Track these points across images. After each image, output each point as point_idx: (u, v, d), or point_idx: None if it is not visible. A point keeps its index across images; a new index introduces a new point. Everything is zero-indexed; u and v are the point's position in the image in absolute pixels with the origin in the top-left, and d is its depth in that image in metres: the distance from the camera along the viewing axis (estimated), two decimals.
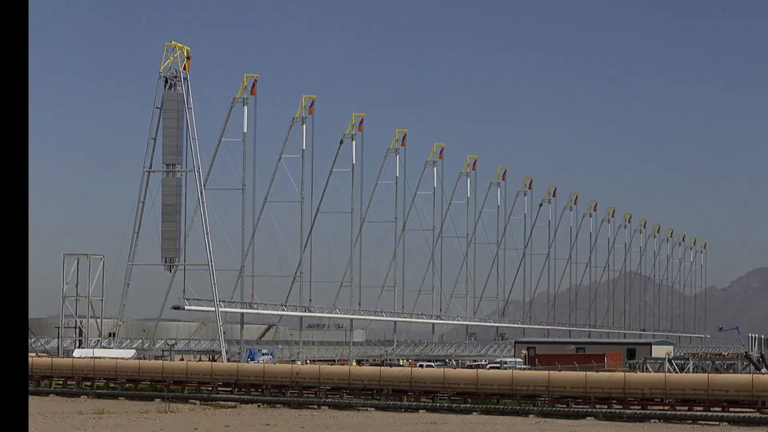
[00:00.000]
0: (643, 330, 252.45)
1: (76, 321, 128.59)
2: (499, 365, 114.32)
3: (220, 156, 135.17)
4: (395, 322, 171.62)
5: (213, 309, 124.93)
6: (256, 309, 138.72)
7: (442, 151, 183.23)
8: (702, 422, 67.30)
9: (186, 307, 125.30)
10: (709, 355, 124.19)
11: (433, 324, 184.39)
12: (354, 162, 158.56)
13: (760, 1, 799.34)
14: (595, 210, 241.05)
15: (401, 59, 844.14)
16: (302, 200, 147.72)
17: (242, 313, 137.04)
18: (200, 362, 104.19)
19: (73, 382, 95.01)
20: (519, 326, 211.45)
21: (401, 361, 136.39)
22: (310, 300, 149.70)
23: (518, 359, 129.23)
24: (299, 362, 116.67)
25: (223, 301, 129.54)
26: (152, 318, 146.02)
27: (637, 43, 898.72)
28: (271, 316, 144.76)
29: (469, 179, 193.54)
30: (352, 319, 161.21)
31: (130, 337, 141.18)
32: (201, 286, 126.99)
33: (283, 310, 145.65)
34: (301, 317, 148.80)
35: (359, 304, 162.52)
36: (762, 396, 68.69)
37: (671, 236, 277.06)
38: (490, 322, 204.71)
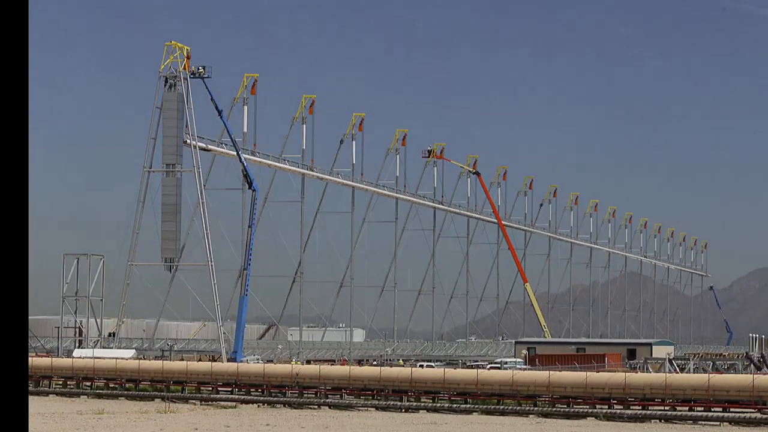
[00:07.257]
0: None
1: (76, 321, 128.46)
2: (499, 365, 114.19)
3: (220, 156, 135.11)
4: (396, 199, 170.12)
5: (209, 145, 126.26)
6: (258, 157, 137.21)
7: (442, 151, 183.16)
8: (703, 422, 67.29)
9: (189, 141, 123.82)
10: (709, 356, 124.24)
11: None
12: (354, 162, 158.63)
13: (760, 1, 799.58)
14: (595, 210, 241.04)
15: (401, 59, 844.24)
16: (302, 200, 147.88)
17: (243, 161, 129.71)
18: (200, 362, 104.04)
19: (73, 383, 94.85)
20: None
21: (400, 361, 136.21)
22: (312, 160, 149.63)
23: (518, 359, 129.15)
24: (296, 361, 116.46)
25: (223, 143, 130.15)
26: (152, 318, 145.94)
27: (637, 42, 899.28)
28: (271, 166, 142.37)
29: (469, 179, 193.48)
30: (354, 188, 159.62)
31: (130, 337, 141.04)
32: (201, 286, 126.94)
33: (285, 163, 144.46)
34: (303, 175, 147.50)
35: (362, 174, 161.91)
36: (763, 396, 68.59)
37: (671, 236, 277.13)
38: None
